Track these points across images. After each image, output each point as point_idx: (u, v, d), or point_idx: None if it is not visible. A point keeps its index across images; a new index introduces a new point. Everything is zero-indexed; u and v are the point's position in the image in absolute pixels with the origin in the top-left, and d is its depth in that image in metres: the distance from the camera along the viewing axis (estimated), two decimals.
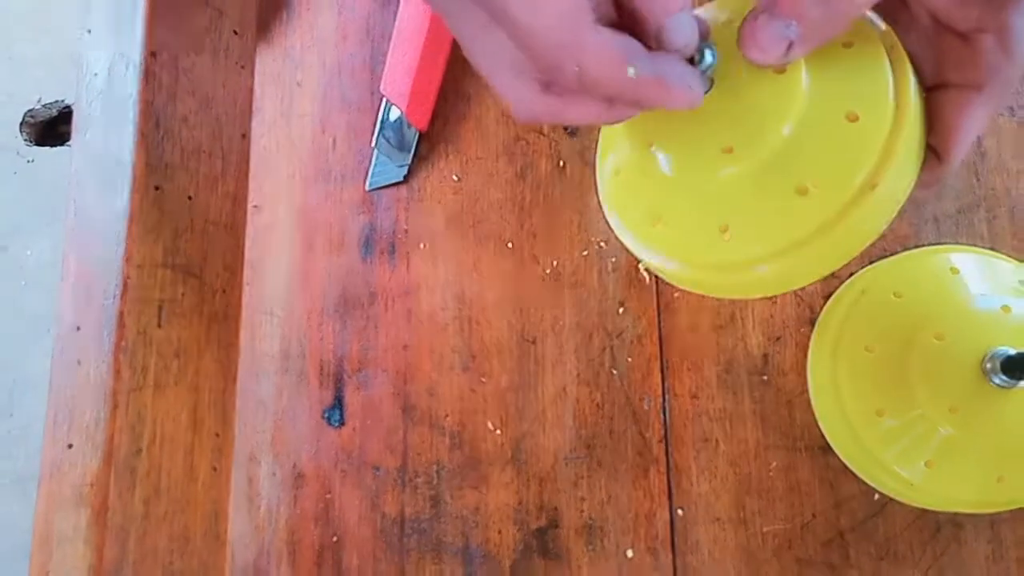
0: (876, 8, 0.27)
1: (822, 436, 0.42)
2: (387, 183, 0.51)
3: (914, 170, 0.27)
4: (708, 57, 0.26)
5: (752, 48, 0.26)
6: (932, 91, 0.29)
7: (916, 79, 0.27)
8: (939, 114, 0.28)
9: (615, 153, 0.33)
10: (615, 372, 0.46)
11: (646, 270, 0.46)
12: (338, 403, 0.49)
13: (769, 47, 0.25)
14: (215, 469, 0.49)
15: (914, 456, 0.39)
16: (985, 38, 0.27)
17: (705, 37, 0.26)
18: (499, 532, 0.45)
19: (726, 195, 0.28)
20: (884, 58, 0.27)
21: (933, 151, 0.29)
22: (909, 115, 0.26)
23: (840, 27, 0.26)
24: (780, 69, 0.27)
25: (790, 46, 0.25)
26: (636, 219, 0.31)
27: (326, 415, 0.49)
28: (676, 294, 0.46)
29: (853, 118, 0.26)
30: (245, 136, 0.54)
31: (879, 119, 0.26)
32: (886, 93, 0.26)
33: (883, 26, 0.28)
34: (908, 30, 0.28)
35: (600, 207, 0.48)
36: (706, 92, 0.27)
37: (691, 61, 0.26)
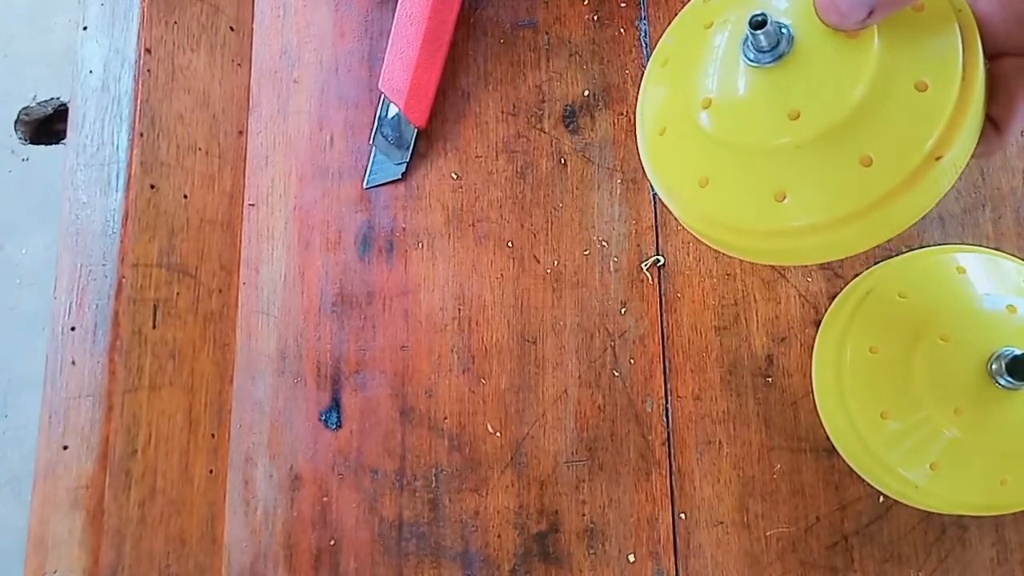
0: None
1: (827, 438, 0.42)
2: (385, 181, 0.50)
3: (975, 140, 0.27)
4: (784, 28, 0.26)
5: (832, 12, 0.25)
6: (994, 59, 0.28)
7: (982, 47, 0.27)
8: (1001, 84, 0.27)
9: (661, 110, 0.32)
10: (617, 373, 0.45)
11: (648, 270, 0.46)
12: (335, 405, 0.48)
13: (850, 11, 0.25)
14: (211, 471, 0.48)
15: (919, 458, 0.38)
16: None
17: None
18: (499, 536, 0.45)
19: (786, 161, 0.27)
20: (954, 24, 0.26)
21: (992, 121, 0.28)
22: (976, 86, 0.26)
23: None
24: (853, 34, 0.26)
25: (871, 11, 0.25)
26: (682, 180, 0.30)
27: (323, 417, 0.48)
28: (679, 294, 0.45)
29: (922, 87, 0.26)
30: (242, 133, 0.53)
31: (947, 89, 0.26)
32: (956, 63, 0.26)
33: None
34: None
35: (600, 206, 0.47)
36: (780, 58, 0.27)
37: (760, 24, 0.26)
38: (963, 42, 0.26)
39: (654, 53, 0.33)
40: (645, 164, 0.32)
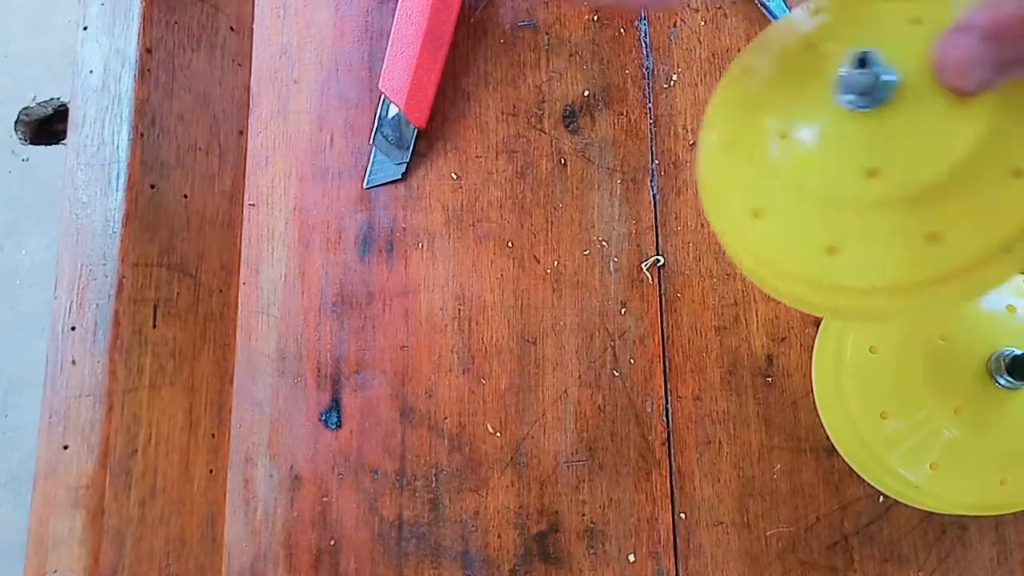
0: None
1: (827, 438, 0.42)
2: (385, 181, 0.50)
3: None
4: (889, 74, 0.23)
5: (948, 71, 0.22)
6: None
7: None
8: None
9: (733, 123, 0.29)
10: (617, 373, 0.45)
11: (648, 270, 0.46)
12: (335, 405, 0.48)
13: (970, 73, 0.22)
14: (211, 471, 0.48)
15: (919, 458, 0.38)
16: None
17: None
18: (499, 536, 0.45)
19: (848, 215, 0.25)
20: None
21: None
22: None
23: None
24: (967, 98, 0.24)
25: (996, 71, 0.21)
26: (735, 204, 0.28)
27: (323, 417, 0.48)
28: (679, 294, 0.45)
29: (1017, 174, 0.23)
30: (242, 133, 0.53)
31: None
32: None
33: None
34: None
35: (600, 206, 0.47)
36: (876, 106, 0.24)
37: (862, 63, 0.23)
38: None
39: (739, 58, 0.31)
40: (700, 177, 0.30)
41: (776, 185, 0.27)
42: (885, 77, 0.24)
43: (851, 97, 0.24)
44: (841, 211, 0.25)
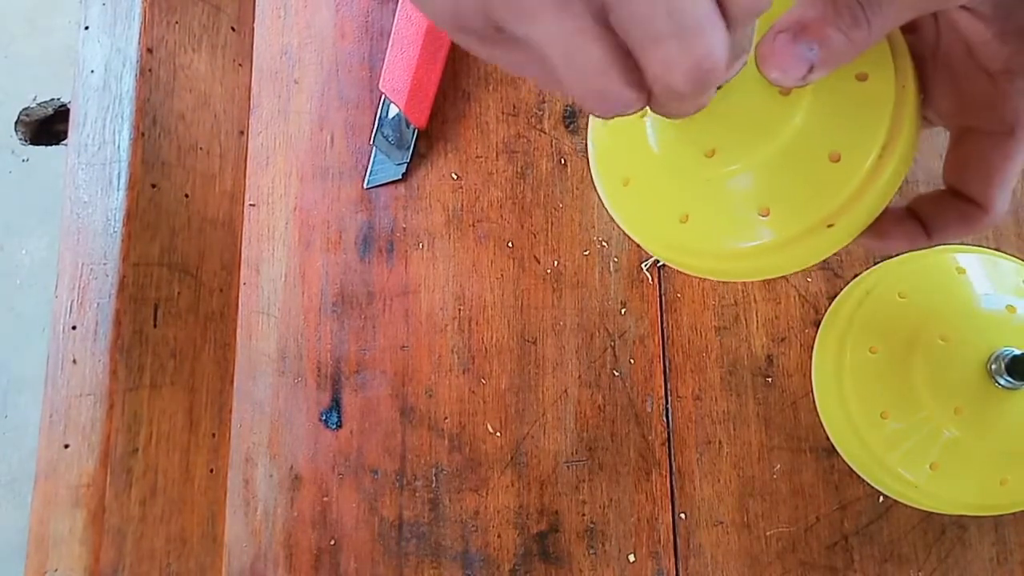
0: (908, 36, 0.27)
1: (827, 438, 0.42)
2: (385, 181, 0.50)
3: (877, 212, 0.27)
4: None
5: (773, 68, 0.25)
6: (962, 137, 0.28)
7: (911, 136, 0.27)
8: (973, 162, 0.28)
9: (617, 160, 0.32)
10: (617, 373, 0.45)
11: (648, 270, 0.46)
12: (336, 405, 0.48)
13: (791, 68, 0.24)
14: (212, 470, 0.48)
15: (919, 458, 0.38)
16: (1016, 80, 0.26)
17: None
18: (499, 536, 0.45)
19: (696, 188, 0.28)
20: (890, 101, 0.26)
21: (973, 202, 0.28)
22: (886, 174, 0.26)
23: (856, 54, 0.25)
24: (785, 91, 0.27)
25: (810, 69, 0.24)
26: (609, 175, 0.32)
27: (323, 417, 0.48)
28: (679, 294, 0.45)
29: (835, 158, 0.26)
30: (242, 133, 0.53)
31: (858, 164, 0.26)
32: (876, 139, 0.26)
33: (906, 59, 0.27)
34: (935, 64, 0.28)
35: (600, 206, 0.47)
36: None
37: None
38: (894, 119, 0.26)
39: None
40: (590, 142, 0.33)
41: (642, 158, 0.30)
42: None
43: None
44: (690, 184, 0.28)
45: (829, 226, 0.26)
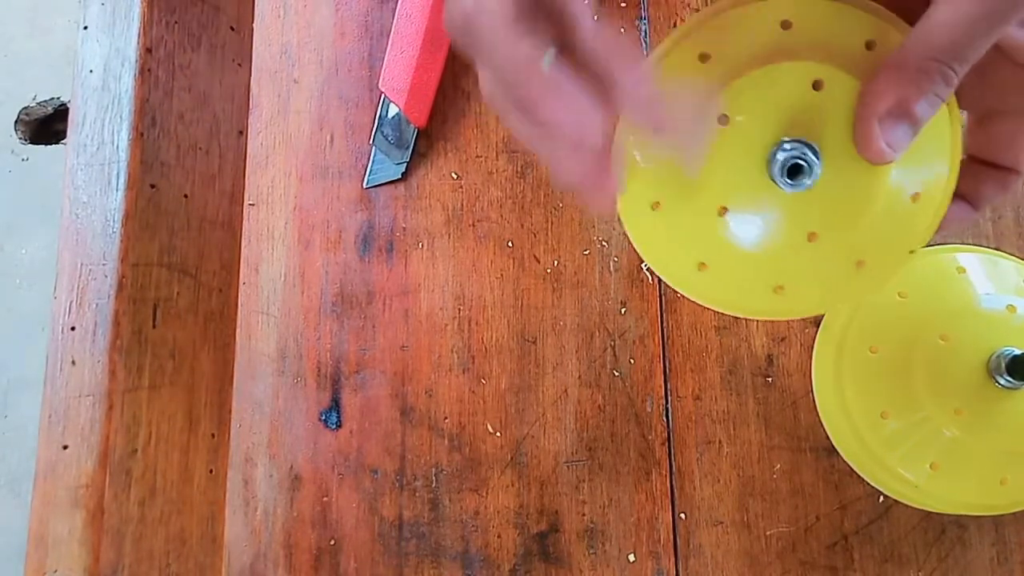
0: None
1: (827, 438, 0.42)
2: (385, 180, 0.50)
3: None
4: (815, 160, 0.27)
5: (877, 153, 0.25)
6: (987, 118, 0.29)
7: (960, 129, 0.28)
8: (1005, 138, 0.29)
9: (656, 182, 0.31)
10: (617, 373, 0.45)
11: (648, 270, 0.46)
12: (335, 405, 0.48)
13: (898, 147, 0.25)
14: (211, 471, 0.48)
15: (919, 458, 0.38)
16: None
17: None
18: (499, 536, 0.45)
19: (791, 262, 0.29)
20: (946, 127, 0.28)
21: (1005, 168, 0.30)
22: (951, 191, 0.28)
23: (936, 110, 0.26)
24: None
25: (911, 137, 0.25)
26: (678, 264, 0.31)
27: (323, 417, 0.48)
28: (679, 294, 0.45)
29: (916, 198, 0.28)
30: (242, 133, 0.53)
31: (935, 195, 0.28)
32: (946, 169, 0.28)
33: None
34: None
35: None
36: (807, 186, 0.27)
37: (794, 170, 0.27)
38: (952, 142, 0.28)
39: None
40: (633, 237, 0.32)
41: (718, 245, 0.30)
42: (811, 163, 0.27)
43: (784, 183, 0.27)
44: (785, 263, 0.29)
45: (911, 252, 0.28)
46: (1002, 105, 0.29)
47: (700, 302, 0.31)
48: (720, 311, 0.31)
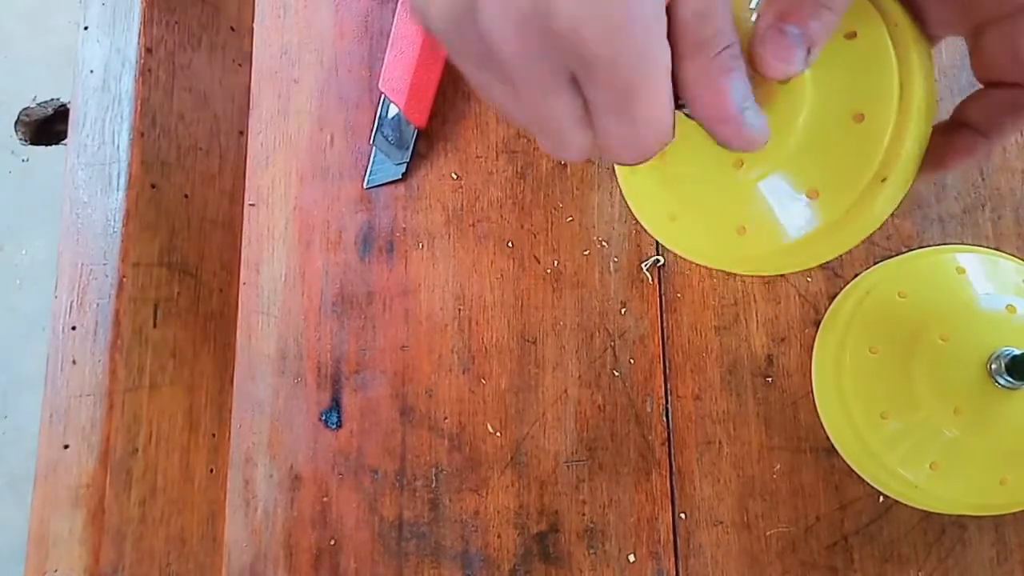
0: None
1: (827, 438, 0.42)
2: (385, 181, 0.50)
3: (921, 151, 0.27)
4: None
5: (774, 63, 0.25)
6: (979, 35, 0.27)
7: (924, 64, 0.27)
8: (1006, 51, 0.27)
9: (655, 200, 0.33)
10: (617, 373, 0.45)
11: (648, 270, 0.46)
12: (335, 405, 0.48)
13: (791, 57, 0.25)
14: (211, 471, 0.48)
15: (919, 458, 0.38)
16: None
17: None
18: (499, 536, 0.45)
19: (743, 199, 0.28)
20: (888, 47, 0.26)
21: (1019, 85, 0.27)
22: (914, 109, 0.26)
23: (841, 16, 0.25)
24: (785, 81, 0.27)
25: (808, 52, 0.25)
26: (654, 215, 0.32)
27: (323, 417, 0.48)
28: (679, 294, 0.45)
29: (859, 119, 0.26)
30: (242, 133, 0.53)
31: (884, 117, 0.26)
32: (891, 88, 0.26)
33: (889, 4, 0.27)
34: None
35: (600, 206, 0.47)
36: None
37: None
38: (900, 58, 0.26)
39: None
40: (674, 248, 0.33)
41: (678, 192, 0.31)
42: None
43: None
44: (734, 199, 0.29)
45: (883, 180, 0.26)
46: (986, 15, 0.26)
47: (683, 255, 0.32)
48: (703, 263, 0.32)
